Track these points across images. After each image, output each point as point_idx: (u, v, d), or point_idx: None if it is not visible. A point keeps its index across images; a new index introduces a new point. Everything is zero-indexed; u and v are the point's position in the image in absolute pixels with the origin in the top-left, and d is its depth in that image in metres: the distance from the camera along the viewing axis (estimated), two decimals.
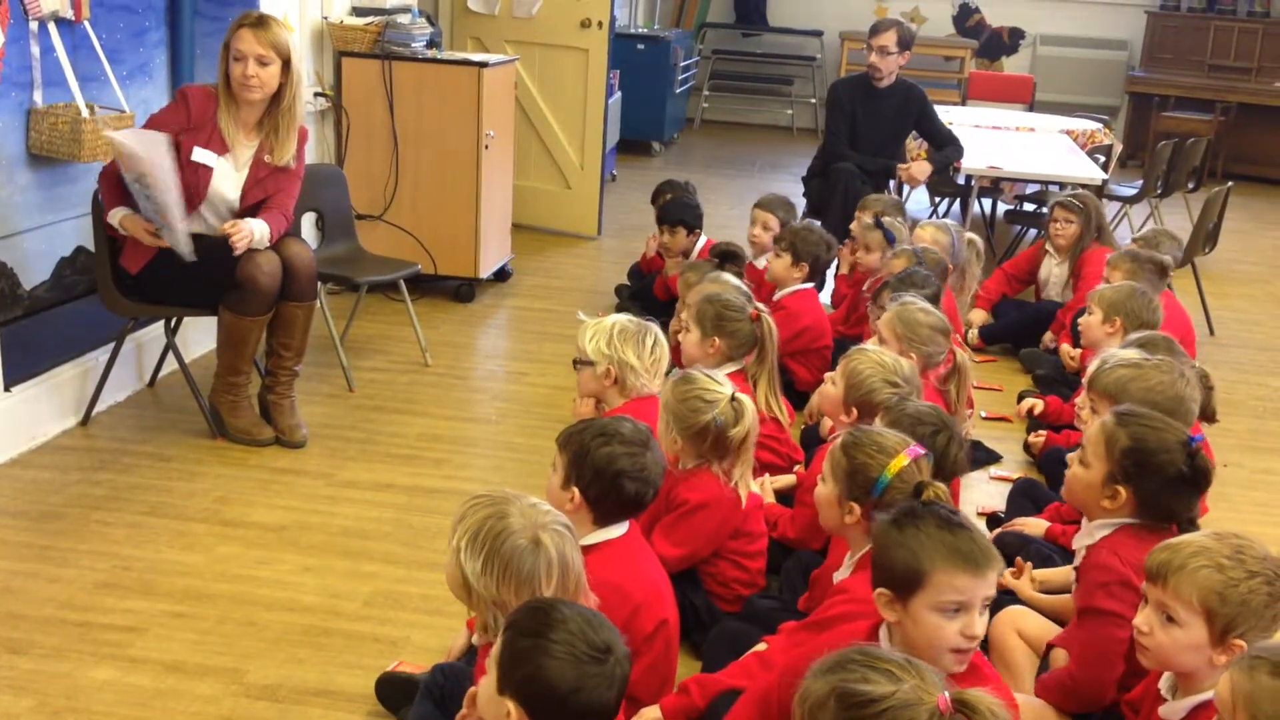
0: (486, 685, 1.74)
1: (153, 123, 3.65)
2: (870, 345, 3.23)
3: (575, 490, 2.34)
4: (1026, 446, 4.13)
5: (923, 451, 2.40)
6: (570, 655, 1.65)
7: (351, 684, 2.61)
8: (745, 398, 2.80)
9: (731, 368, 3.39)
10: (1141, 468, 2.43)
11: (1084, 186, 6.18)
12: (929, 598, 1.92)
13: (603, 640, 1.68)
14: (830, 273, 5.33)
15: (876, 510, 2.30)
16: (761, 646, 2.45)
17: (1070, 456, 2.61)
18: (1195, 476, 2.43)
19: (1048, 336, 5.07)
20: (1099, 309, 3.91)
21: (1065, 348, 4.59)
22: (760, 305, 3.55)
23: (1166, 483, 2.42)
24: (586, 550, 2.31)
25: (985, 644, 2.34)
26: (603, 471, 2.32)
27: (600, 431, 2.36)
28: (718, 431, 2.73)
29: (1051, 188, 6.76)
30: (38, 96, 3.63)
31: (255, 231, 3.62)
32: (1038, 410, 4.16)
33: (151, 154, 3.40)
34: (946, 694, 1.51)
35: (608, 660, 1.67)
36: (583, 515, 2.36)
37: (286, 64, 3.66)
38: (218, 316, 3.73)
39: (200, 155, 3.65)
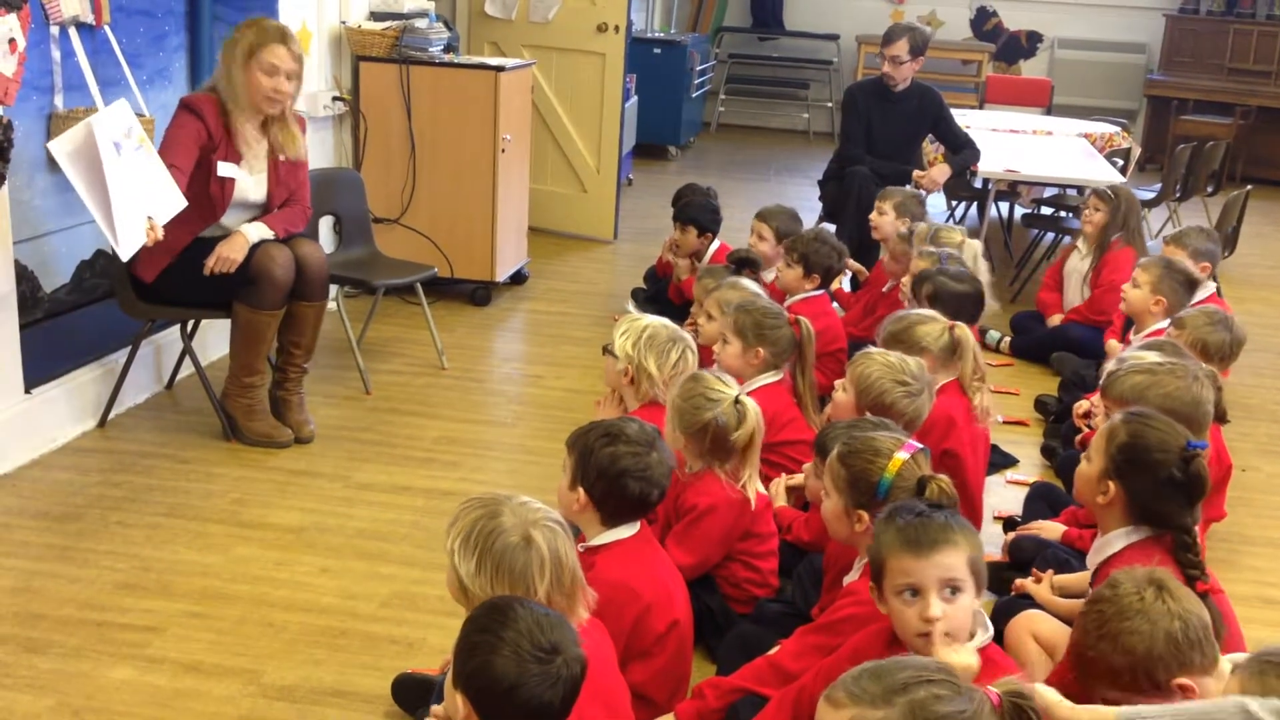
0: (448, 679, 1.77)
1: (176, 141, 3.62)
2: (875, 349, 3.22)
3: (581, 490, 2.35)
4: (1043, 450, 4.12)
5: (919, 447, 2.39)
6: (514, 652, 1.67)
7: (368, 685, 2.62)
8: (751, 401, 2.78)
9: (773, 377, 3.37)
10: (1133, 465, 2.39)
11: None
12: (889, 583, 2.00)
13: (550, 641, 1.69)
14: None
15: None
16: (774, 650, 2.44)
17: (1084, 455, 2.60)
18: (1188, 482, 2.36)
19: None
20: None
21: (1113, 343, 4.46)
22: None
23: (1156, 484, 2.37)
24: (596, 551, 2.34)
25: (1001, 645, 2.34)
26: (606, 471, 2.33)
27: (605, 432, 2.38)
28: (718, 431, 2.72)
29: (1070, 191, 6.74)
30: (59, 100, 3.65)
31: (252, 235, 3.69)
32: (1084, 410, 4.03)
33: (77, 164, 3.32)
34: (994, 689, 1.53)
35: (553, 661, 1.68)
36: (590, 516, 2.37)
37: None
38: (232, 316, 3.76)
39: (225, 170, 3.69)
